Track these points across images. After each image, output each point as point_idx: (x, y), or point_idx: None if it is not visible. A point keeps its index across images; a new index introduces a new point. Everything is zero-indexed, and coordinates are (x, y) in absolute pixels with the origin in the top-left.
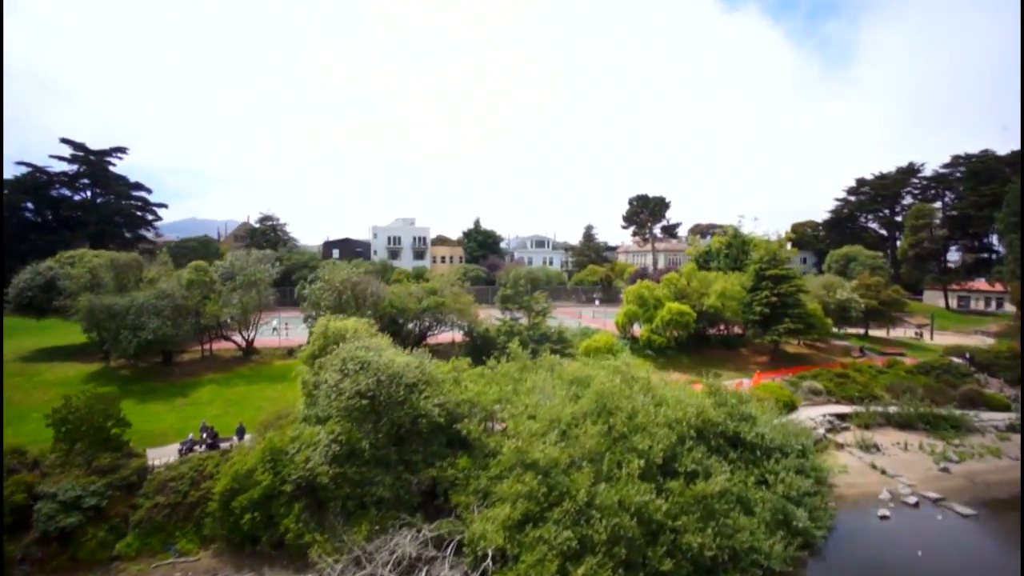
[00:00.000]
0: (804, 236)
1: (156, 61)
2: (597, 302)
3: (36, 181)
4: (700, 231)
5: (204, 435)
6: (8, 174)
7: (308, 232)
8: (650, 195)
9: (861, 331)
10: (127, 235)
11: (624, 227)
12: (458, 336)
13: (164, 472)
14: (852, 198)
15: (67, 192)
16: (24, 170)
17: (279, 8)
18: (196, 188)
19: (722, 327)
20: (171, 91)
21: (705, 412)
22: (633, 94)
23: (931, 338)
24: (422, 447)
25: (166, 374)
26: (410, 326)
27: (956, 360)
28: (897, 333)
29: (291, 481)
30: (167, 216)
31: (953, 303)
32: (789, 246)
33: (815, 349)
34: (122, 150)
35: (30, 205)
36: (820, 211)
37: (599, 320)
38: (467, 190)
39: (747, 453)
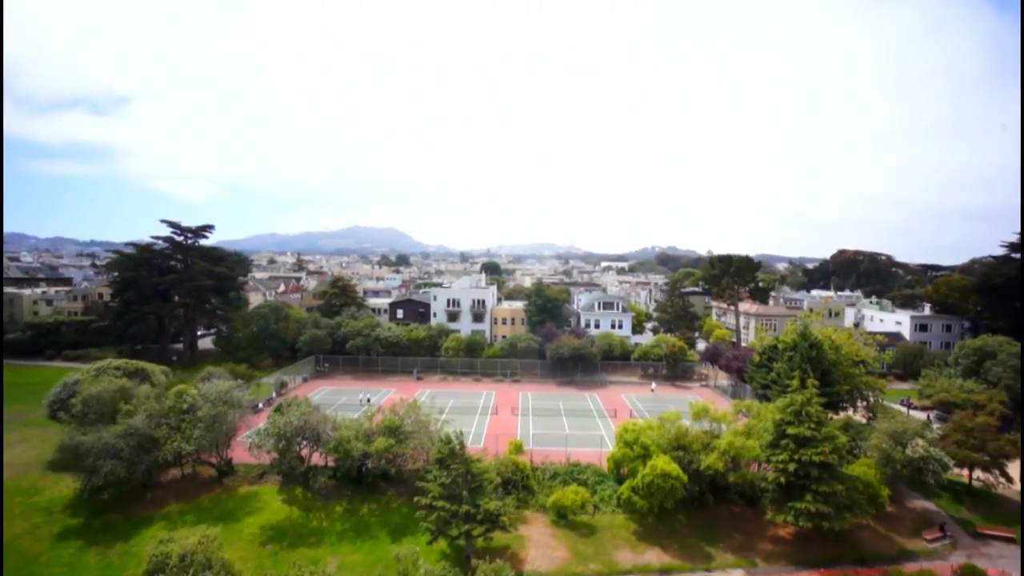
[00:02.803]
0: (949, 297)
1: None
2: (654, 387)
3: (138, 259)
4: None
5: None
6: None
7: (434, 235)
8: (733, 255)
9: (963, 476)
10: (210, 303)
11: (705, 289)
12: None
13: None
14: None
15: (163, 266)
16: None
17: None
18: (354, 199)
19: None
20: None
21: None
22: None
23: None
24: None
25: (136, 502)
26: (368, 466)
27: None
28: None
29: None
30: (333, 224)
31: None
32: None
33: (871, 517)
34: (209, 228)
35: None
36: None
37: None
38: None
39: None
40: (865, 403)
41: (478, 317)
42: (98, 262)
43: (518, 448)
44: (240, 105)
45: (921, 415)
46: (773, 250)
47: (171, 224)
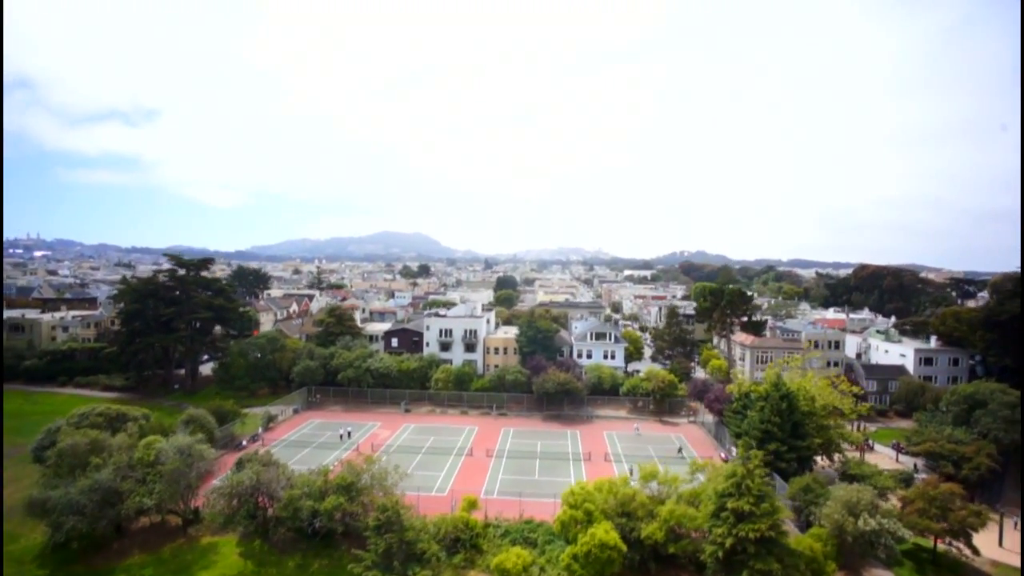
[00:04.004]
0: (956, 330)
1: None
2: (637, 427)
3: (143, 291)
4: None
5: None
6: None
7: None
8: (725, 289)
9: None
10: (210, 333)
11: (698, 323)
12: None
13: None
14: None
15: (167, 297)
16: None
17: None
18: (383, 204)
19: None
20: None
21: None
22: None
23: None
24: None
25: (102, 551)
26: (317, 524)
27: None
28: None
29: None
30: (363, 229)
31: None
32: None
33: None
34: (211, 261)
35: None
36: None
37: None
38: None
39: None
40: (839, 456)
41: (470, 347)
42: (129, 275)
43: (472, 504)
44: (265, 114)
45: (912, 461)
46: (806, 255)
47: (172, 258)
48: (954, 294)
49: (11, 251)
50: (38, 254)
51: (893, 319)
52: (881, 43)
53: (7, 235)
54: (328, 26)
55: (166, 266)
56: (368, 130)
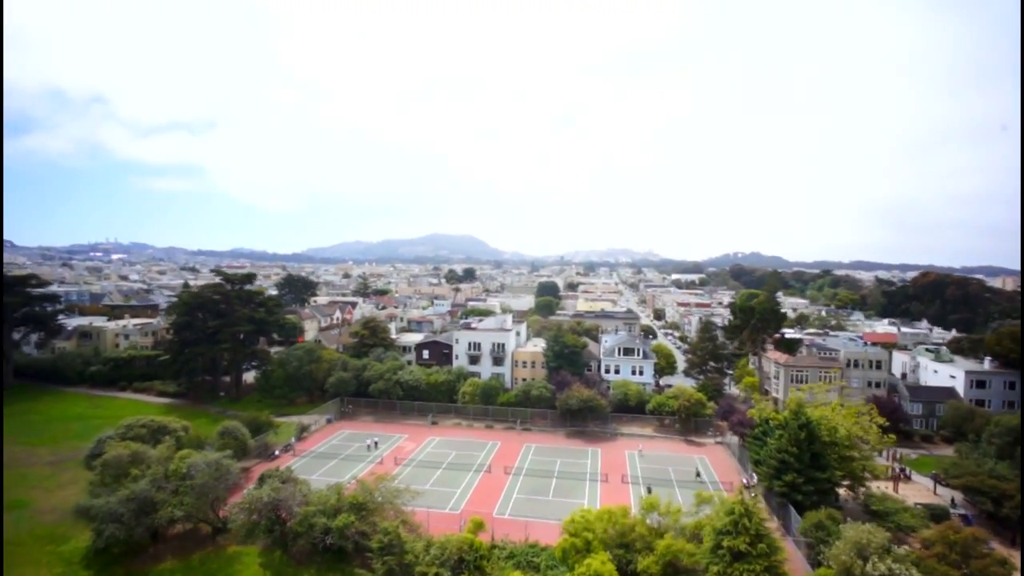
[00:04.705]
0: (1012, 351)
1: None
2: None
3: (192, 304)
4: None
5: None
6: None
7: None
8: (756, 306)
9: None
10: (253, 345)
11: (727, 339)
12: None
13: None
14: None
15: (214, 310)
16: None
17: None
18: (433, 207)
19: None
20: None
21: None
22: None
23: None
24: None
25: (140, 555)
26: (328, 540)
27: None
28: None
29: None
30: (413, 231)
31: None
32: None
33: None
34: (253, 276)
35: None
36: None
37: (658, 464)
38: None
39: None
40: (863, 488)
41: (498, 361)
42: (191, 279)
43: (478, 526)
44: (316, 123)
45: (950, 494)
46: (870, 256)
47: (219, 273)
48: None
49: (91, 254)
50: (115, 257)
51: (953, 332)
52: (946, 27)
53: (89, 239)
54: (370, 35)
55: (217, 279)
56: (415, 135)
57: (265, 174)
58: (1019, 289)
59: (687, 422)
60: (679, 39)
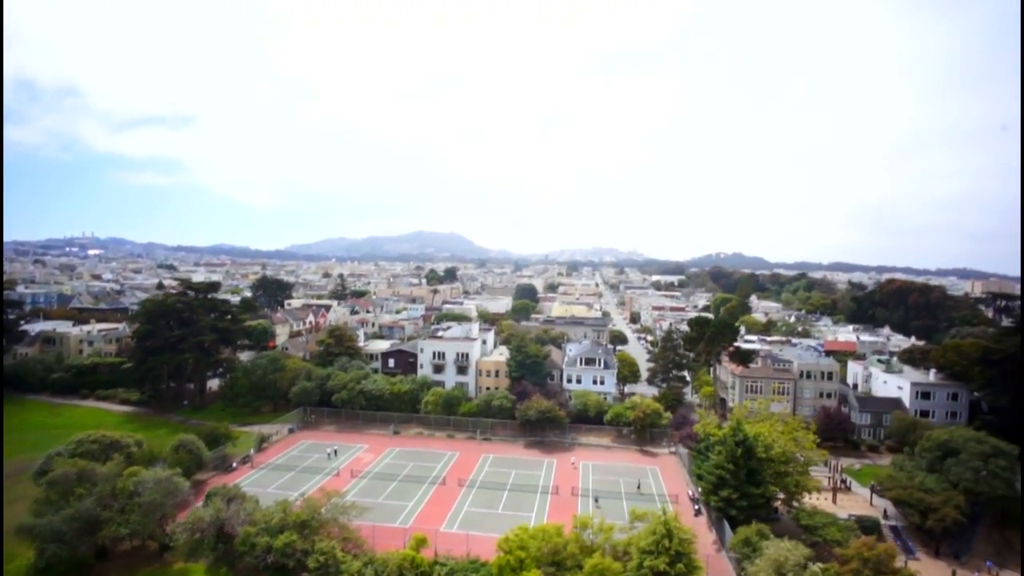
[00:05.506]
0: (957, 364)
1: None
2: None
3: (155, 312)
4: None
5: None
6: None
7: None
8: (711, 319)
9: None
10: (212, 356)
11: (686, 351)
12: None
13: None
14: None
15: (178, 319)
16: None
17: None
18: (418, 204)
19: None
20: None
21: None
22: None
23: None
24: None
25: (81, 575)
26: (270, 559)
27: None
28: None
29: None
30: (399, 228)
31: None
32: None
33: None
34: (217, 285)
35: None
36: None
37: (610, 475)
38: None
39: None
40: (795, 503)
41: (462, 370)
42: (166, 279)
43: (420, 542)
44: (300, 119)
45: (885, 505)
46: (850, 258)
47: (182, 281)
48: (990, 312)
49: (68, 249)
50: (91, 253)
51: (913, 339)
52: (934, 32)
53: (66, 234)
54: (357, 32)
55: (177, 286)
56: (402, 133)
57: (249, 170)
58: (981, 296)
59: (643, 432)
60: (667, 40)
